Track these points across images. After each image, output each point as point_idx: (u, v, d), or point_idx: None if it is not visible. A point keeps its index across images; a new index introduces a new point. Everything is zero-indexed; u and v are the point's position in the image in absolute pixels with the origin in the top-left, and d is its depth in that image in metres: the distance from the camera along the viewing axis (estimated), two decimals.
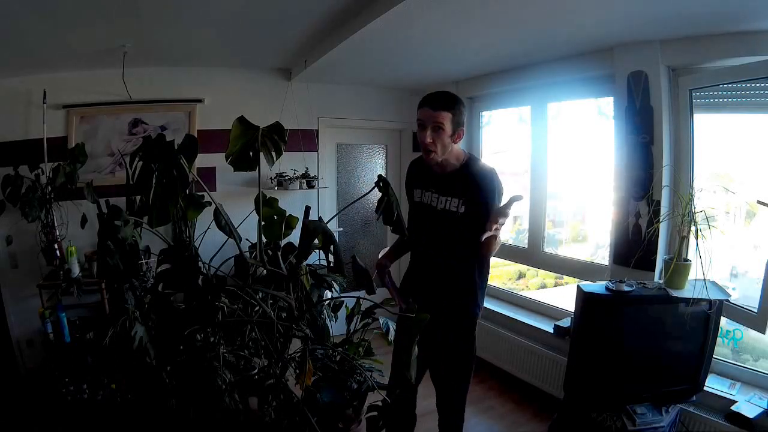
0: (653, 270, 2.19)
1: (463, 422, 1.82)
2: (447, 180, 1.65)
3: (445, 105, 1.55)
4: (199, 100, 3.19)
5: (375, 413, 1.85)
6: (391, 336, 2.36)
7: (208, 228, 2.10)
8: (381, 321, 2.52)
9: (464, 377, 1.75)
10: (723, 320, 1.95)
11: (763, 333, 1.83)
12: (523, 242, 3.20)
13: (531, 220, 3.06)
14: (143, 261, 2.67)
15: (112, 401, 2.39)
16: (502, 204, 1.52)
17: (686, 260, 1.90)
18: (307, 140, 3.46)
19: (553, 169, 2.97)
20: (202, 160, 2.97)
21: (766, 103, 2.01)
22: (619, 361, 1.90)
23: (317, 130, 3.60)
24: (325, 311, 1.98)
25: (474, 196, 1.58)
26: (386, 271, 1.86)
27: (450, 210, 1.61)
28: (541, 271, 3.79)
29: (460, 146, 1.67)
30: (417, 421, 1.93)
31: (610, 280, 1.97)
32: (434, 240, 1.69)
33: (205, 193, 1.59)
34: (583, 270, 2.77)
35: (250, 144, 1.39)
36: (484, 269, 1.71)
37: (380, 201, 1.61)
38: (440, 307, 1.64)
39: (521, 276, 4.22)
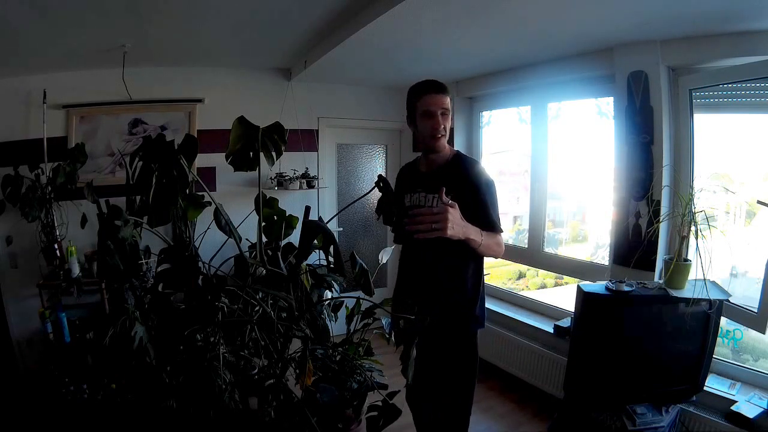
0: (653, 270, 2.19)
1: None
2: (434, 177, 1.60)
3: (446, 90, 1.57)
4: (199, 100, 3.19)
5: (375, 413, 1.85)
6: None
7: (208, 228, 2.10)
8: (384, 321, 2.51)
9: (466, 393, 1.64)
10: (723, 320, 1.95)
11: (763, 333, 1.83)
12: (523, 242, 3.20)
13: (531, 220, 3.07)
14: (143, 261, 2.66)
15: (112, 401, 2.39)
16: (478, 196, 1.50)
17: (686, 260, 1.90)
18: (307, 140, 3.46)
19: (553, 169, 2.97)
20: (202, 160, 2.97)
21: (766, 103, 2.01)
22: (619, 361, 1.90)
23: (317, 130, 3.60)
24: (325, 311, 1.98)
25: (462, 188, 1.51)
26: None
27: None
28: (541, 271, 3.79)
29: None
30: None
31: (610, 280, 1.97)
32: (426, 242, 1.59)
33: (205, 193, 1.59)
34: (583, 270, 2.77)
35: (250, 144, 1.39)
36: (480, 270, 1.64)
37: (380, 201, 1.61)
38: (439, 311, 1.56)
39: (521, 276, 4.22)
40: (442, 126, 1.54)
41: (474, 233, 1.42)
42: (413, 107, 1.59)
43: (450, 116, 1.58)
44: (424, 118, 1.56)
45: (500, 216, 1.59)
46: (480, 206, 1.52)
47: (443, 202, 1.33)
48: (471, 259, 1.59)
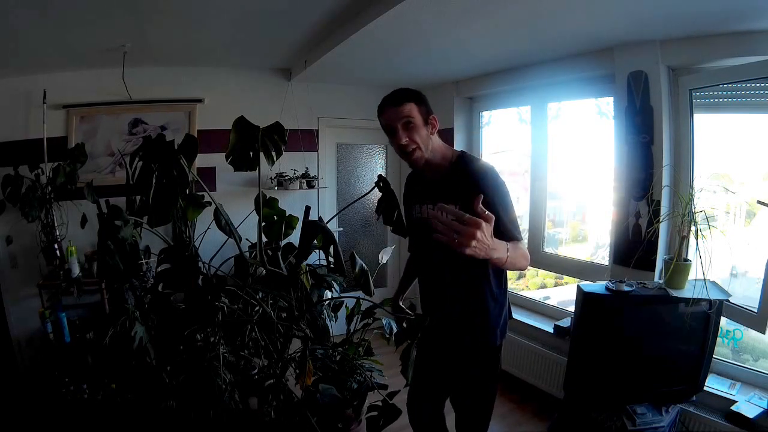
0: (653, 270, 2.19)
1: None
2: (438, 186, 1.43)
3: (405, 98, 1.36)
4: (199, 100, 3.19)
5: (375, 413, 1.85)
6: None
7: (208, 228, 2.10)
8: (384, 321, 2.51)
9: (486, 408, 1.55)
10: (723, 320, 1.94)
11: (763, 333, 1.83)
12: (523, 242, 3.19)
13: (531, 220, 3.07)
14: (143, 261, 2.67)
15: (112, 401, 2.39)
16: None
17: (686, 260, 1.90)
18: (307, 140, 3.45)
19: (553, 169, 2.97)
20: (202, 160, 2.97)
21: (766, 103, 2.01)
22: (618, 361, 1.90)
23: (317, 130, 3.60)
24: (325, 311, 1.98)
25: (472, 198, 1.19)
26: (399, 305, 1.81)
27: None
28: (541, 271, 3.78)
29: (443, 144, 1.46)
30: None
31: (610, 280, 1.97)
32: (436, 259, 1.50)
33: (205, 193, 1.59)
34: (583, 270, 2.77)
35: (250, 144, 1.39)
36: (501, 282, 1.49)
37: (380, 201, 1.61)
38: (456, 334, 1.49)
39: (521, 276, 4.22)
40: (406, 139, 1.35)
41: (500, 251, 1.14)
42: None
43: (419, 124, 1.36)
44: (389, 138, 1.40)
45: (516, 219, 1.44)
46: (496, 218, 1.13)
47: (478, 212, 1.01)
48: (495, 275, 1.46)
